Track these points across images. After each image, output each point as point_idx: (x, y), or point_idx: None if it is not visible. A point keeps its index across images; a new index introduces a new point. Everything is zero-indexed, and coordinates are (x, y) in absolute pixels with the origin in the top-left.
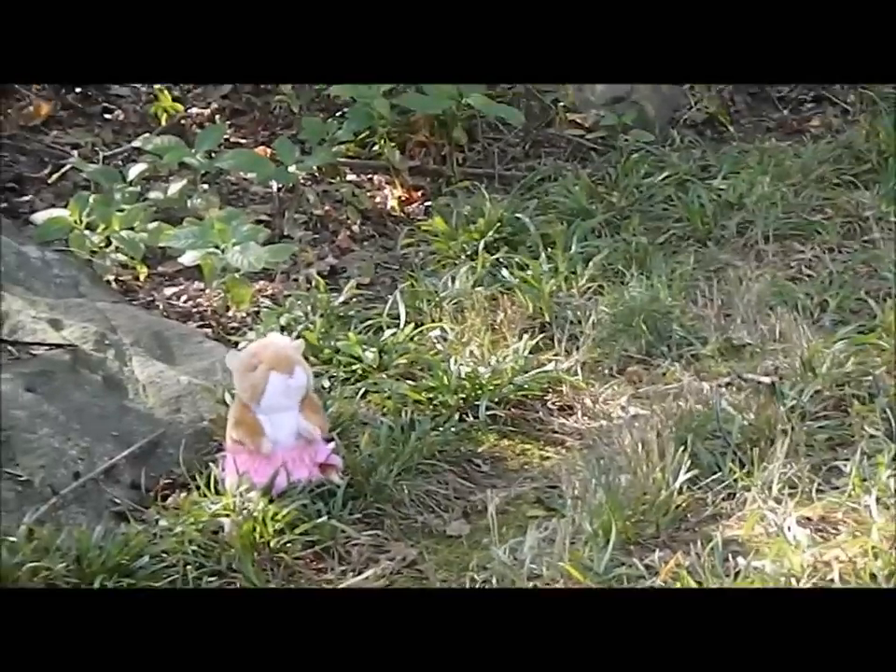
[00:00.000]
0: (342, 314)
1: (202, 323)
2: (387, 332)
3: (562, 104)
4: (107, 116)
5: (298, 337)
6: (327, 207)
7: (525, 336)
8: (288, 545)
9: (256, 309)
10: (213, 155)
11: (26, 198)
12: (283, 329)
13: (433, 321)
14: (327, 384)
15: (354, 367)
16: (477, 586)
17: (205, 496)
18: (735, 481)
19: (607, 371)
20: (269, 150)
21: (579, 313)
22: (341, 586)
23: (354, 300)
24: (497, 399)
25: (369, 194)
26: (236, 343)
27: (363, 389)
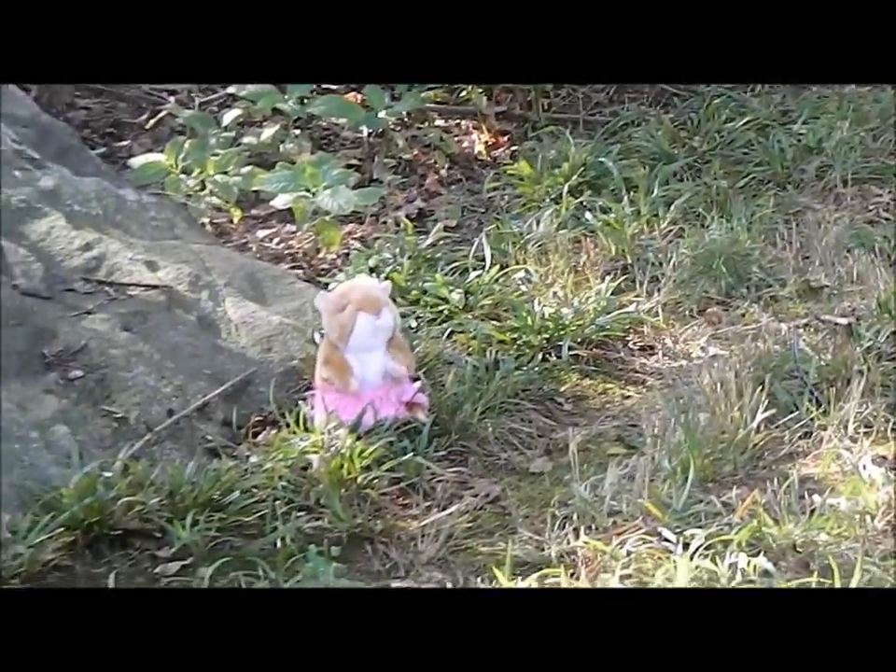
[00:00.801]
0: (429, 256)
1: (293, 265)
2: (473, 274)
3: None
4: None
5: (386, 278)
6: (415, 151)
7: (608, 278)
8: (375, 481)
9: (346, 251)
10: (305, 101)
11: (124, 143)
12: (372, 270)
13: (517, 263)
14: (414, 324)
15: (440, 308)
16: (558, 522)
17: (295, 433)
18: (812, 420)
19: (687, 313)
20: (359, 96)
21: (660, 255)
22: (425, 522)
23: (441, 242)
24: (579, 340)
25: (456, 139)
26: (326, 285)
27: (449, 330)
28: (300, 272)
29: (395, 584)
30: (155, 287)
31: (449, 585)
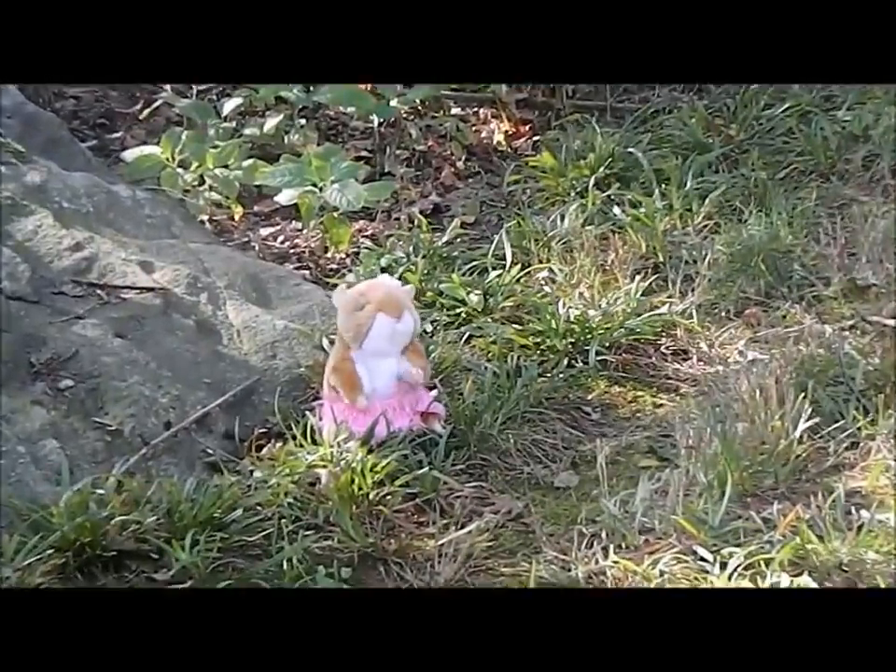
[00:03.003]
0: (445, 254)
1: (299, 265)
2: (493, 274)
3: None
4: None
5: (399, 279)
6: (430, 142)
7: (637, 277)
8: (388, 497)
9: (355, 250)
10: (311, 89)
11: (116, 135)
12: (383, 270)
13: (541, 262)
14: (429, 328)
15: (457, 310)
16: (585, 540)
17: (301, 446)
18: (859, 429)
19: (723, 314)
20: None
21: (694, 252)
22: (442, 541)
23: (458, 239)
24: (607, 344)
25: (474, 129)
26: (335, 286)
27: (467, 334)
28: (306, 272)
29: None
30: (150, 289)
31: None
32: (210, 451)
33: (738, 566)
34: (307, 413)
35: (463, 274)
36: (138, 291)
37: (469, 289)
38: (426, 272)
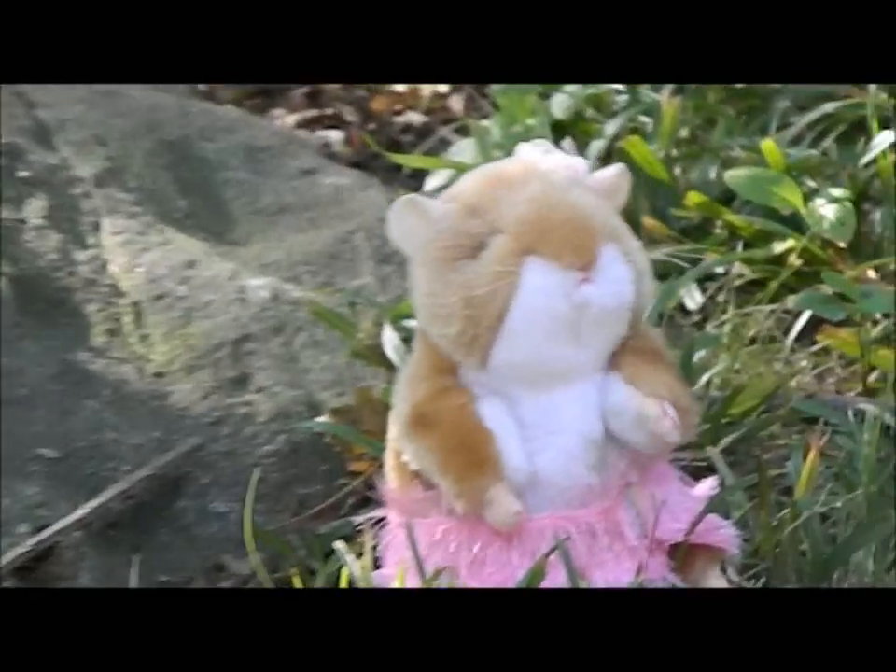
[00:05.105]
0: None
1: (315, 115)
2: (883, 139)
3: None
4: None
5: (605, 158)
6: None
7: None
8: None
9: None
10: None
11: None
12: (558, 131)
13: None
14: (696, 300)
15: (779, 248)
16: None
17: None
18: None
19: None
20: None
21: None
22: None
23: None
24: None
25: None
26: (418, 181)
27: (802, 315)
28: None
29: None
30: None
31: None
32: None
33: None
34: (336, 546)
35: (793, 143)
36: None
37: (812, 187)
38: (686, 136)
